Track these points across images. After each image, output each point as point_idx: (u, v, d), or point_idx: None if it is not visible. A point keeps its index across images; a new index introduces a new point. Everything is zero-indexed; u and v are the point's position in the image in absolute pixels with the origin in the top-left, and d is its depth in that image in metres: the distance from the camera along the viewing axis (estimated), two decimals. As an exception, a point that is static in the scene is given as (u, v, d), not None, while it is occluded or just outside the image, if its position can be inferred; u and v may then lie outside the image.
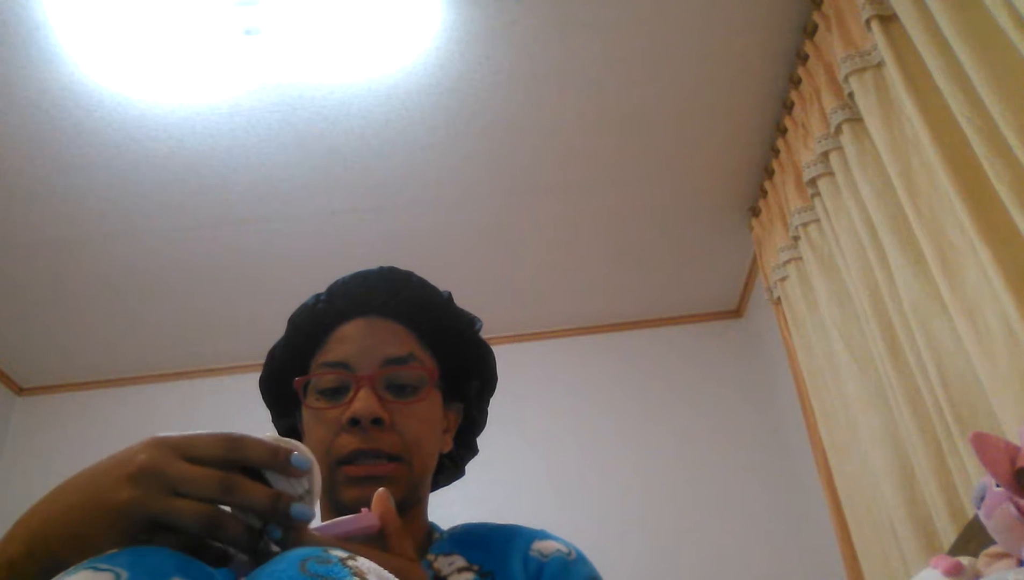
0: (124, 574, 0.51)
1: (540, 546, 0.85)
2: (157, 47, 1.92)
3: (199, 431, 0.56)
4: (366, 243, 2.55)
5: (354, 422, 0.81)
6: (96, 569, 0.51)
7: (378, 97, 2.10)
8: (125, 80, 1.99)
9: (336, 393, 0.84)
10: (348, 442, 0.81)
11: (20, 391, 3.09)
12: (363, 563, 0.49)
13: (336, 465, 0.81)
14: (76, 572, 0.51)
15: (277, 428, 0.96)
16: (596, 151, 2.32)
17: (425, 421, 0.86)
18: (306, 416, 0.87)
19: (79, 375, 3.04)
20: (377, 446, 0.81)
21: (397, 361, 0.86)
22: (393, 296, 0.90)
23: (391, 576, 0.50)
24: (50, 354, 2.94)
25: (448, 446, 0.92)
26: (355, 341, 0.87)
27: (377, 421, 0.81)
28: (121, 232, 2.43)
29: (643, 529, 2.65)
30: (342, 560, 0.49)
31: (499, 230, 2.59)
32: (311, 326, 0.91)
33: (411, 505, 0.85)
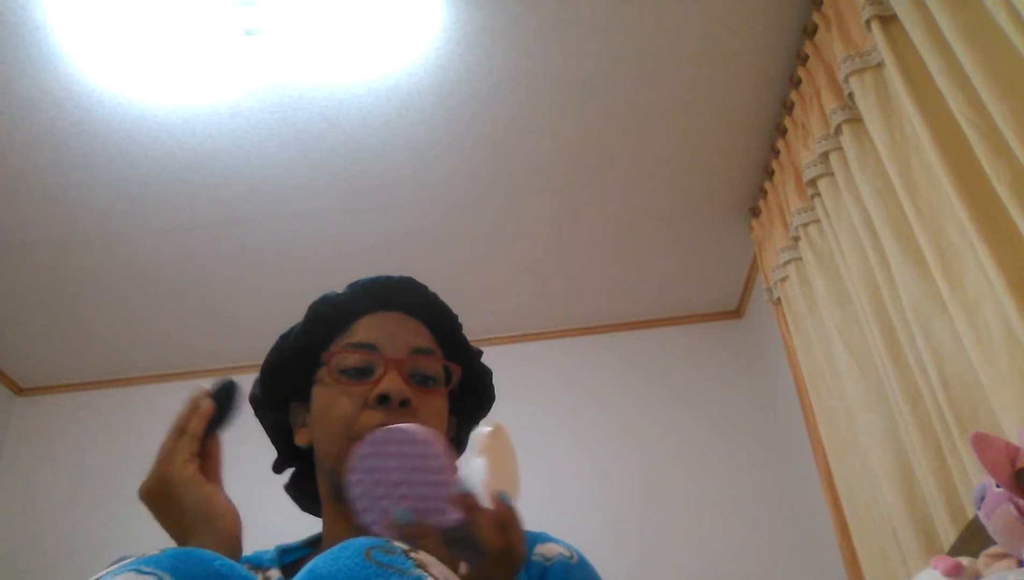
0: (167, 577, 0.52)
1: (542, 549, 0.85)
2: (157, 47, 1.92)
3: None
4: (366, 243, 2.55)
5: (383, 399, 0.81)
6: (140, 571, 0.52)
7: (378, 97, 2.10)
8: (125, 80, 1.99)
9: (362, 373, 0.85)
10: (373, 418, 0.81)
11: (20, 391, 3.09)
12: (424, 555, 0.50)
13: (355, 441, 0.80)
14: (121, 573, 0.52)
15: (261, 421, 0.94)
16: (596, 151, 2.32)
17: (440, 415, 0.87)
18: (322, 394, 0.87)
19: (79, 375, 3.05)
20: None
21: (424, 351, 0.88)
22: (416, 300, 0.93)
23: (450, 572, 0.51)
24: (50, 354, 2.94)
25: None
26: (383, 328, 0.89)
27: (405, 402, 0.82)
28: (121, 232, 2.44)
29: (643, 529, 2.65)
30: (405, 552, 0.49)
31: (499, 230, 2.59)
32: (333, 314, 0.92)
33: None
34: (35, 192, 2.26)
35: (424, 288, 0.94)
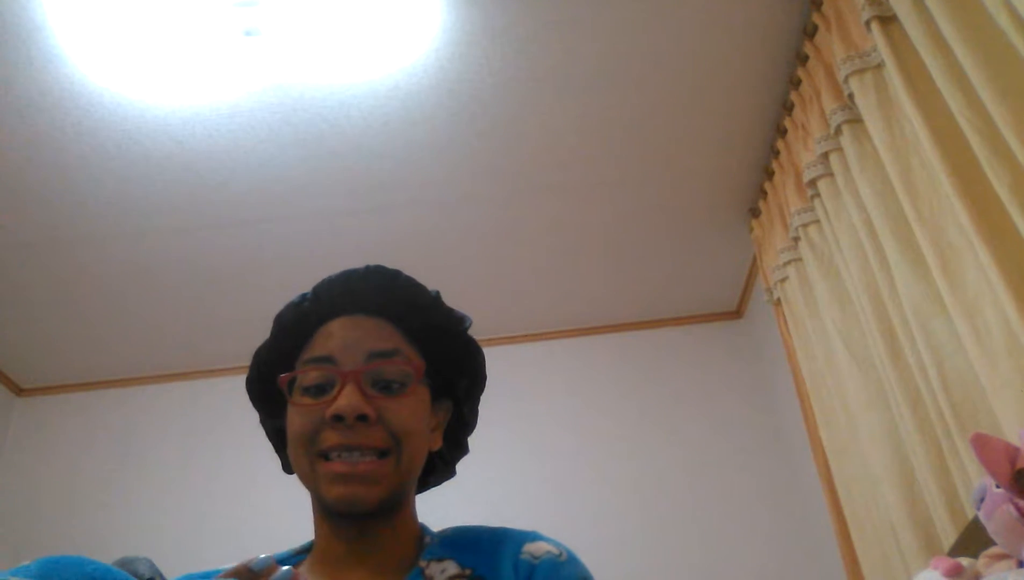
0: None
1: (531, 548, 0.84)
2: (157, 48, 1.92)
3: None
4: (366, 243, 2.55)
5: (338, 418, 0.80)
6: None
7: (378, 98, 2.10)
8: (125, 81, 1.99)
9: (321, 390, 0.84)
10: (330, 437, 0.80)
11: (20, 391, 3.09)
12: None
13: (317, 457, 0.81)
14: None
15: (265, 429, 0.94)
16: (596, 152, 2.32)
17: (412, 416, 0.85)
18: (289, 413, 0.86)
19: (79, 375, 3.04)
20: (361, 442, 0.80)
21: (382, 354, 0.85)
22: (379, 294, 0.90)
23: None
24: (50, 354, 2.94)
25: (437, 444, 0.91)
26: (340, 336, 0.87)
27: (362, 417, 0.80)
28: (121, 232, 2.44)
29: (642, 530, 2.65)
30: None
31: (499, 230, 2.59)
32: (297, 324, 0.91)
33: (397, 505, 0.84)
34: (35, 192, 2.26)
35: (391, 277, 0.91)
